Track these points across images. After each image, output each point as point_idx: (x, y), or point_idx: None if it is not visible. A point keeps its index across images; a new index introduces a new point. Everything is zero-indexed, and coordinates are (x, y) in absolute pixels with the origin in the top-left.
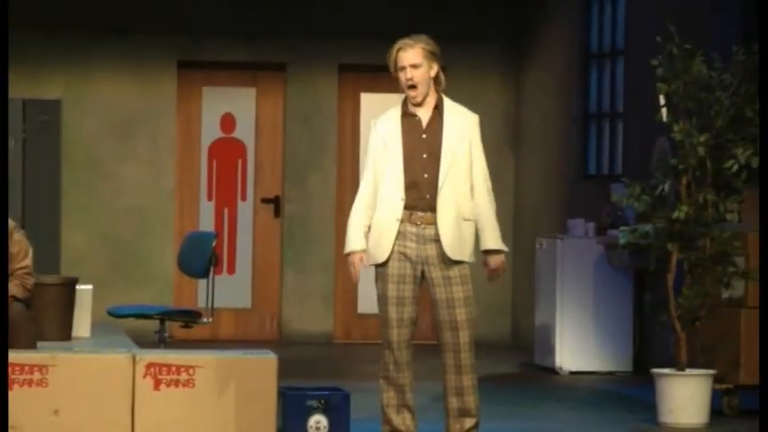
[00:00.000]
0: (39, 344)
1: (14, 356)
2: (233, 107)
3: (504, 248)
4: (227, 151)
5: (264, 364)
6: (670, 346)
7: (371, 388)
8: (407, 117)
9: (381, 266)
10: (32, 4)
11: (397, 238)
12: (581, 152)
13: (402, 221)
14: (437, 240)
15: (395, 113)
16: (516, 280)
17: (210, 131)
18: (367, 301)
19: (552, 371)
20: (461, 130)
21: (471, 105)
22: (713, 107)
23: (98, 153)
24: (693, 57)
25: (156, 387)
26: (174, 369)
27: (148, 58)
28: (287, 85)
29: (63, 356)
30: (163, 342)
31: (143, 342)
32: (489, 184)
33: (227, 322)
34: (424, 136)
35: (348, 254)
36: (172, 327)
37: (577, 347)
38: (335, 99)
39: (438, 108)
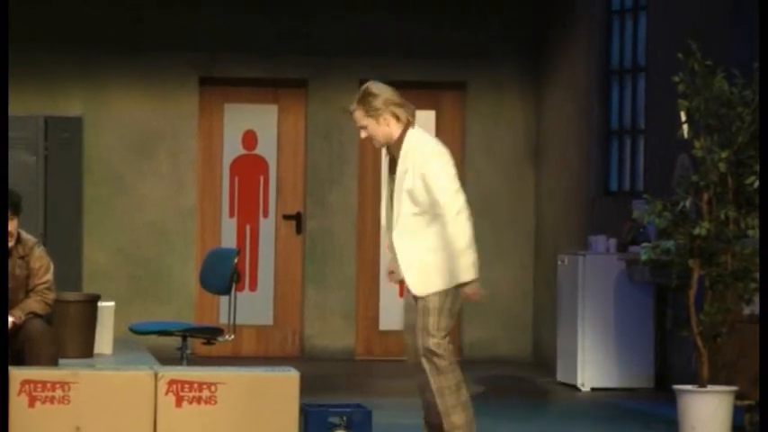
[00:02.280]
0: (61, 361)
1: (36, 373)
2: (254, 124)
3: (474, 277)
4: (249, 168)
5: (287, 381)
6: (691, 362)
7: (393, 404)
8: (388, 158)
9: None
10: (54, 21)
11: None
12: (602, 168)
13: None
14: None
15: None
16: (538, 296)
17: (232, 148)
18: (388, 318)
19: (574, 387)
20: (413, 167)
21: (492, 121)
22: (734, 123)
23: (120, 170)
24: (714, 73)
25: (179, 404)
26: (195, 386)
27: (170, 75)
28: (308, 101)
29: (85, 374)
30: (185, 359)
31: (165, 359)
32: (457, 206)
33: (249, 339)
34: (393, 176)
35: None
36: (194, 343)
37: (599, 364)
38: None
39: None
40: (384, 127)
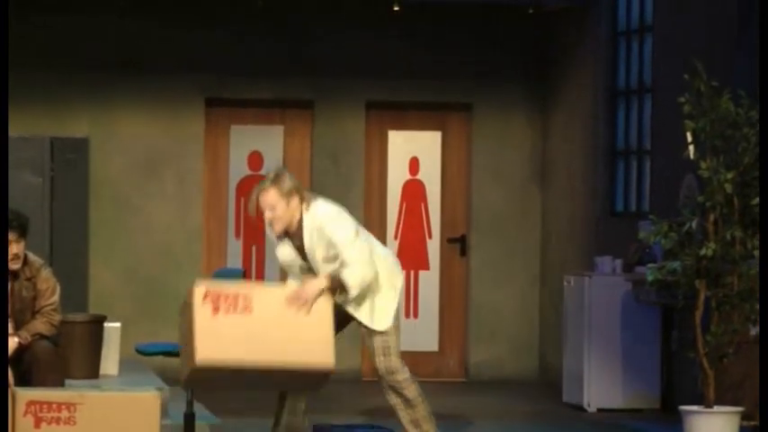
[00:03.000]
0: (67, 382)
1: (42, 394)
2: (260, 145)
3: (323, 282)
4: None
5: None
6: (698, 383)
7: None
8: (293, 241)
9: None
10: (61, 42)
11: None
12: (608, 189)
13: None
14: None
15: (287, 241)
16: (544, 317)
17: (238, 169)
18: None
19: (580, 408)
20: (316, 237)
21: (498, 142)
22: (740, 144)
23: (126, 191)
24: (720, 94)
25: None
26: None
27: (176, 97)
28: (314, 122)
29: (91, 395)
30: None
31: (171, 379)
32: (358, 256)
33: None
34: (305, 261)
35: None
36: None
37: (605, 384)
38: (363, 136)
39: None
40: (290, 210)
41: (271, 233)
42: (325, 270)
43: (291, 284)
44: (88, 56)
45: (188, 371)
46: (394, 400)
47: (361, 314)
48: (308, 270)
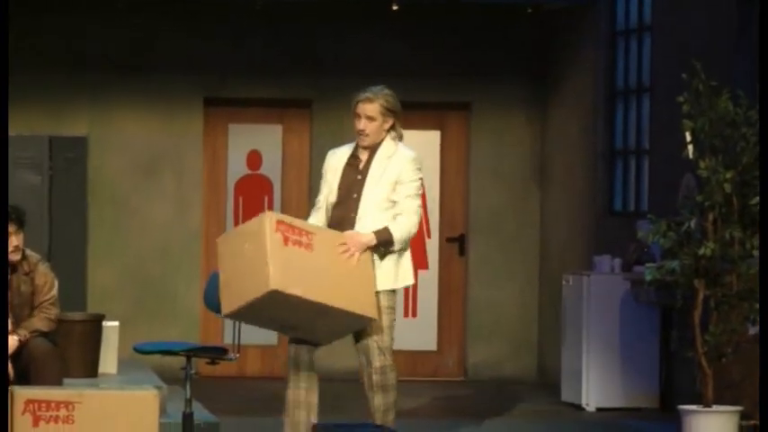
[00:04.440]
0: (65, 380)
1: (41, 393)
2: (259, 144)
3: (373, 239)
4: (254, 188)
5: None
6: (696, 382)
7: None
8: (353, 158)
9: None
10: (60, 41)
11: None
12: (607, 189)
13: None
14: None
15: (346, 151)
16: (542, 316)
17: (237, 168)
18: (395, 338)
19: (579, 407)
20: (388, 171)
21: (497, 141)
22: (739, 144)
23: (124, 190)
24: (719, 93)
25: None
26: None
27: (174, 96)
28: (313, 121)
29: (89, 393)
30: (189, 379)
31: (169, 379)
32: (415, 210)
33: (254, 359)
34: (359, 177)
35: None
36: (198, 363)
37: (604, 384)
38: None
39: (378, 152)
40: (382, 130)
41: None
42: (367, 217)
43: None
44: (87, 55)
45: (252, 298)
46: (378, 401)
47: (383, 271)
48: (336, 207)
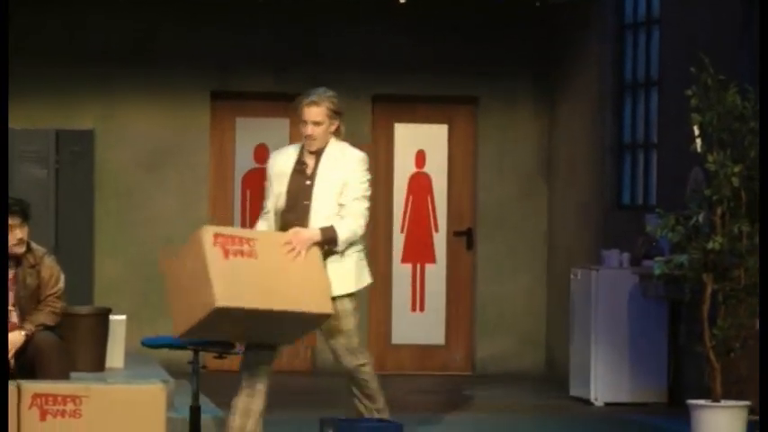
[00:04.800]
0: (72, 375)
1: (47, 387)
2: (266, 138)
3: (317, 234)
4: (260, 181)
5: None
6: (705, 377)
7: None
8: (300, 163)
9: None
10: (66, 34)
11: None
12: (615, 182)
13: None
14: None
15: (292, 154)
16: (551, 311)
17: (244, 162)
18: (400, 332)
19: (587, 402)
20: (335, 173)
21: (504, 135)
22: (747, 137)
23: (131, 184)
24: (727, 87)
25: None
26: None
27: (181, 90)
28: None
29: (96, 387)
30: (196, 373)
31: (177, 373)
32: (362, 212)
33: None
34: (308, 182)
35: None
36: (206, 357)
37: (612, 378)
38: (369, 129)
39: (324, 155)
40: (328, 133)
41: (276, 157)
42: (319, 224)
43: (275, 232)
44: (94, 48)
45: (200, 316)
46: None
47: (343, 275)
48: (285, 213)
